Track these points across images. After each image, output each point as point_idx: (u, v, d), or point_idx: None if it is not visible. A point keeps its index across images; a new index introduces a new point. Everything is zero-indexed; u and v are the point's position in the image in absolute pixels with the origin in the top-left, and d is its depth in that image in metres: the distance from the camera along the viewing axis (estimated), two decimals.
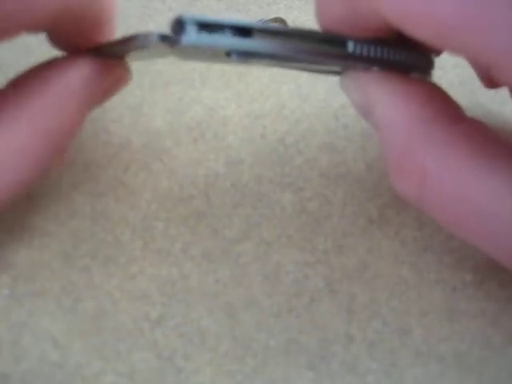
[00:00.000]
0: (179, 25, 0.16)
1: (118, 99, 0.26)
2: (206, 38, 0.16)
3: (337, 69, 0.20)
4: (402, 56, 0.19)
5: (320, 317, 0.21)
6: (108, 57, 0.21)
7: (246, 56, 0.17)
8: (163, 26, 0.28)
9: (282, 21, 0.28)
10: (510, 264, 0.18)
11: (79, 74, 0.20)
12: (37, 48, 0.28)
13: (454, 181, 0.17)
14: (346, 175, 0.24)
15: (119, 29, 0.28)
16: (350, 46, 0.18)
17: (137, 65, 0.27)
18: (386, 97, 0.18)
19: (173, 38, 0.17)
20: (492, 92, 0.17)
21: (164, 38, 0.17)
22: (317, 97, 0.25)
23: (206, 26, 0.17)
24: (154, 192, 0.23)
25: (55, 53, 0.22)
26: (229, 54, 0.17)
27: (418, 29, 0.16)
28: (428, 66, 0.20)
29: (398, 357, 0.20)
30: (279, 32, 0.18)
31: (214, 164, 0.24)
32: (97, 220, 0.22)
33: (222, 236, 0.22)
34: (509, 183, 0.17)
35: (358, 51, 0.18)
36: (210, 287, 0.21)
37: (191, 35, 0.16)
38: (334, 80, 0.21)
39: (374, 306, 0.21)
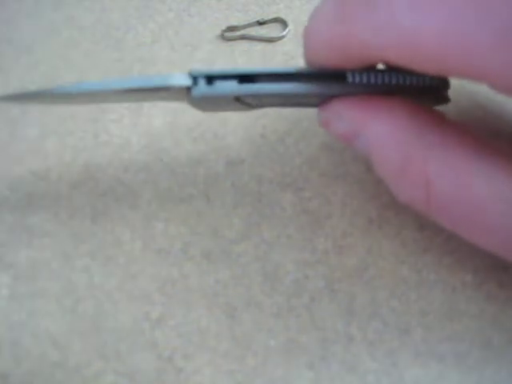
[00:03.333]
0: (192, 79, 0.19)
1: None
2: (214, 89, 0.19)
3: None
4: (405, 79, 0.19)
5: (320, 317, 0.21)
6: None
7: (254, 99, 0.19)
8: (163, 26, 0.28)
9: (282, 21, 0.29)
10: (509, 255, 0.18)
11: None
12: (37, 47, 0.28)
13: (455, 181, 0.18)
14: (345, 175, 0.24)
15: (119, 29, 0.28)
16: (349, 77, 0.19)
17: (137, 65, 0.27)
18: (374, 117, 0.19)
19: (185, 91, 0.19)
20: (492, 92, 0.17)
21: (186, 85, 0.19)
22: None
23: (215, 78, 0.19)
24: (154, 192, 0.23)
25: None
26: (238, 100, 0.19)
27: (402, 59, 0.17)
28: (441, 86, 0.21)
29: (398, 357, 0.20)
30: (280, 74, 0.19)
31: (214, 164, 0.24)
32: (97, 220, 0.22)
33: (222, 236, 0.22)
34: (501, 177, 0.17)
35: (357, 80, 0.19)
36: (210, 287, 0.21)
37: (201, 87, 0.19)
38: None
39: (373, 306, 0.21)
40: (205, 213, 0.23)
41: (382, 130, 0.19)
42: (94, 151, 0.24)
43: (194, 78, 0.19)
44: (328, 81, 0.19)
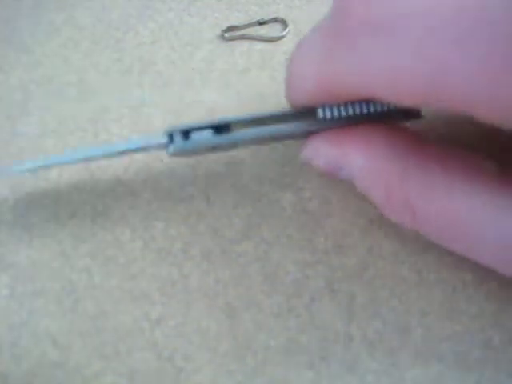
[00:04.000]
0: (168, 136, 0.20)
1: (117, 99, 0.26)
2: (190, 142, 0.20)
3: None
4: (376, 107, 0.20)
5: (320, 317, 0.21)
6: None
7: (230, 145, 0.20)
8: (163, 26, 0.28)
9: (282, 21, 0.29)
10: (502, 270, 0.18)
11: None
12: (37, 47, 0.28)
13: (435, 202, 0.18)
14: None
15: (119, 29, 0.28)
16: (320, 113, 0.20)
17: (137, 65, 0.27)
18: (352, 150, 0.19)
19: (164, 147, 0.20)
20: None
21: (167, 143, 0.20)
22: None
23: (190, 131, 0.20)
24: (154, 192, 0.23)
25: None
26: (215, 148, 0.20)
27: (380, 92, 0.17)
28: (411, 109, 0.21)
29: (398, 357, 0.20)
30: (254, 120, 0.20)
31: (214, 164, 0.24)
32: (97, 220, 0.22)
33: (222, 236, 0.22)
34: (482, 194, 0.17)
35: (328, 115, 0.20)
36: (210, 287, 0.21)
37: (177, 143, 0.20)
38: None
39: (374, 305, 0.21)
40: (205, 213, 0.23)
41: (361, 162, 0.19)
42: None
43: (170, 136, 0.20)
44: (301, 119, 0.20)
